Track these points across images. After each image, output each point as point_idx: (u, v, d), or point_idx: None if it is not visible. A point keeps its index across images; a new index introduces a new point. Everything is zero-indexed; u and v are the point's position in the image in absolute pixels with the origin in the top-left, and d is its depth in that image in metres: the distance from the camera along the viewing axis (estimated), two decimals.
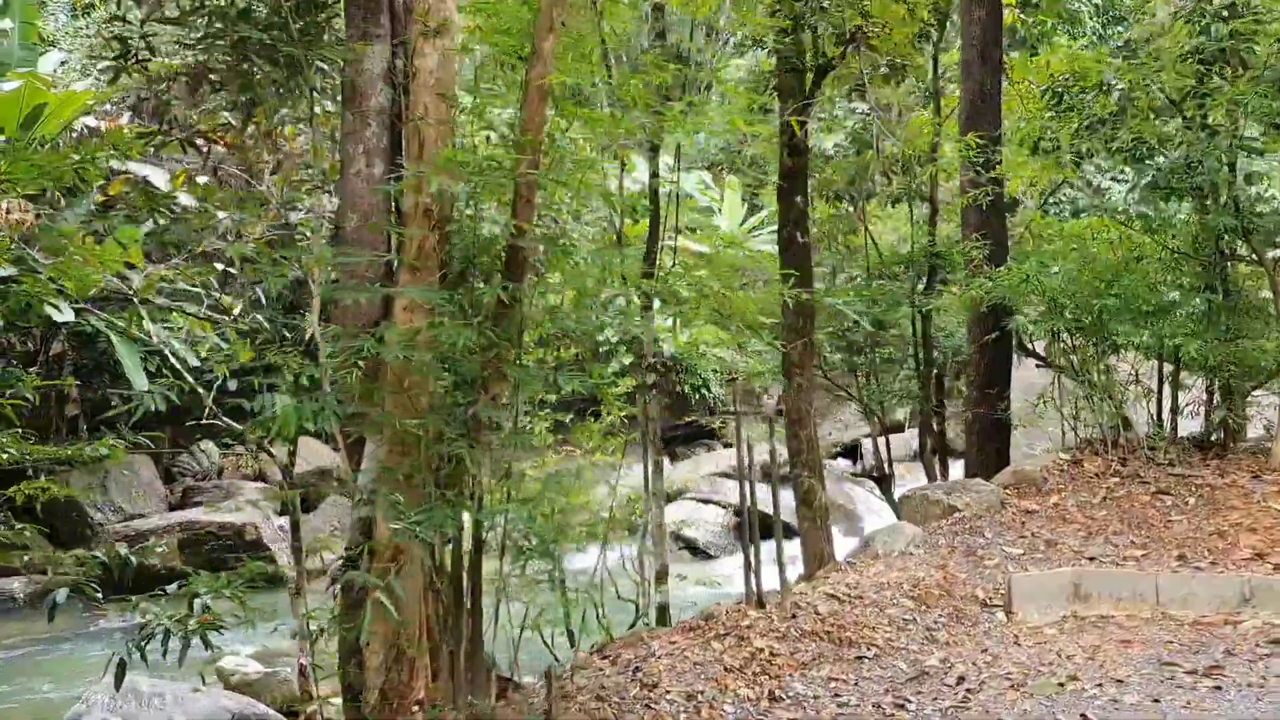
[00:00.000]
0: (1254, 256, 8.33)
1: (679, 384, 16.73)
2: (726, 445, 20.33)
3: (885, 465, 12.93)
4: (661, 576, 7.46)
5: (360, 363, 4.86)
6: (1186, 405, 9.25)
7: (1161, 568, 6.68)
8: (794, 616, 5.90)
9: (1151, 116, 9.47)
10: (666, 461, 19.91)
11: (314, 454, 14.97)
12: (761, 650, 5.50)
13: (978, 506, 7.72)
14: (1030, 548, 7.19)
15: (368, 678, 4.78)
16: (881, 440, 12.45)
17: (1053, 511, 7.69)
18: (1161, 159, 9.55)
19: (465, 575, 4.81)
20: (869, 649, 5.70)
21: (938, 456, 11.17)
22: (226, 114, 7.73)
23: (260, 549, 12.75)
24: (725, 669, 5.31)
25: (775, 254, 9.05)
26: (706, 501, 18.00)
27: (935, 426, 11.36)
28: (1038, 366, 10.43)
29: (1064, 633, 6.14)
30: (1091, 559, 6.89)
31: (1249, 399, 9.25)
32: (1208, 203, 8.57)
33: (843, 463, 18.54)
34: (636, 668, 5.30)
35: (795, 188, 8.52)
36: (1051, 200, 15.37)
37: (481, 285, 4.98)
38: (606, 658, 5.58)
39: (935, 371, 11.90)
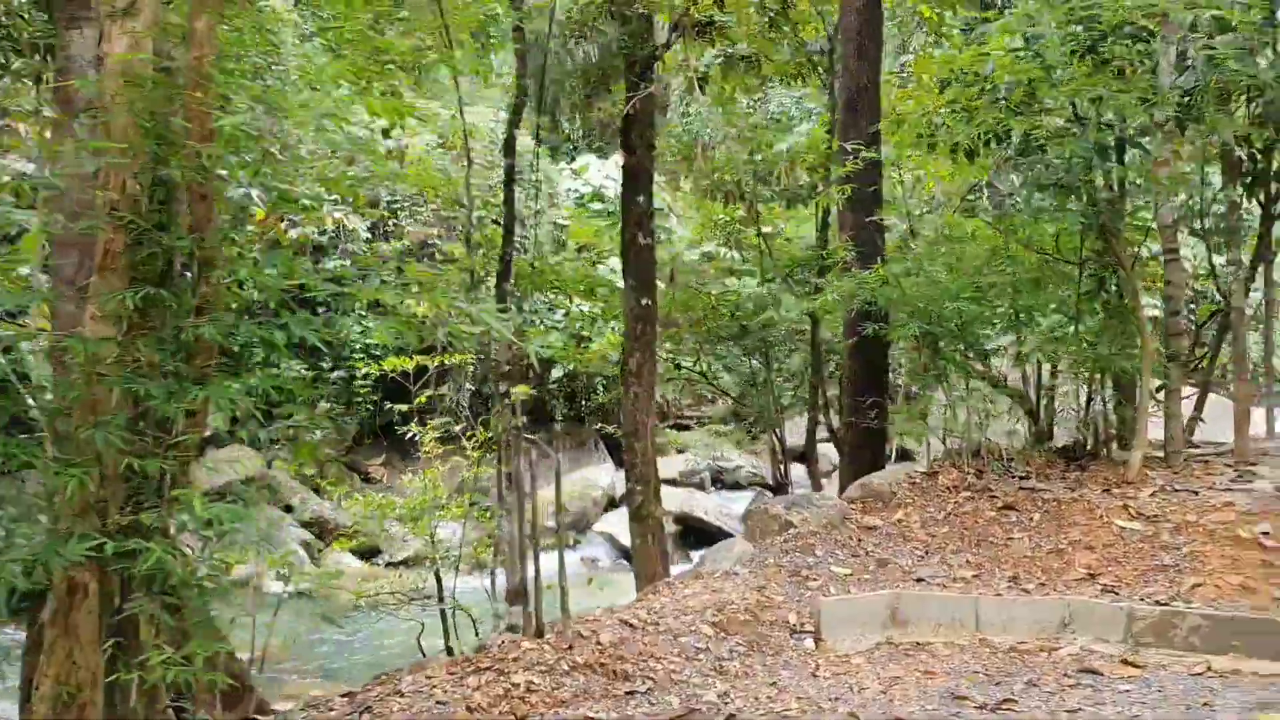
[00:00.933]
0: (1114, 257, 7.95)
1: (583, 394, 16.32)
2: (679, 450, 19.96)
3: (781, 475, 12.55)
4: (516, 595, 7.01)
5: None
6: (1061, 411, 8.88)
7: (988, 590, 6.25)
8: (570, 647, 5.42)
9: (1040, 112, 9.09)
10: (609, 470, 19.53)
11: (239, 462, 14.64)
12: (518, 686, 5.02)
13: (816, 522, 7.28)
14: (860, 567, 6.76)
15: None
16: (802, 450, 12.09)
17: (894, 528, 7.26)
18: (1051, 157, 9.16)
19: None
20: (644, 682, 5.23)
21: (818, 466, 10.76)
22: None
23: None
24: (468, 709, 4.82)
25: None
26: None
27: (816, 436, 10.96)
28: (893, 374, 10.04)
29: (871, 662, 5.70)
30: (920, 580, 6.46)
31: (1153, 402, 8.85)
32: (1071, 202, 8.18)
33: (796, 470, 18.23)
34: (368, 708, 4.80)
35: (637, 186, 8.09)
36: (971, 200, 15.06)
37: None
38: (350, 695, 5.09)
39: (824, 378, 11.53)
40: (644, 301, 7.79)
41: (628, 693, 5.13)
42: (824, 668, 5.58)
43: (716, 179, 12.68)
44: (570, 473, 17.96)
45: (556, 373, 17.02)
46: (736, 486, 18.94)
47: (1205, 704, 4.84)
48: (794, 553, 6.97)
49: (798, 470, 14.42)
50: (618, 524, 16.61)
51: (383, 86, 9.08)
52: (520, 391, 12.45)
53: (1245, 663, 5.36)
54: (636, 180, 8.03)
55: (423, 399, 9.34)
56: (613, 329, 12.36)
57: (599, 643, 5.49)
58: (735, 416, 13.34)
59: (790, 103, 14.04)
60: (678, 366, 11.70)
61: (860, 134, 9.95)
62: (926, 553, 6.85)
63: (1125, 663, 5.47)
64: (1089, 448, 8.60)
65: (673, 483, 18.31)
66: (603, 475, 18.06)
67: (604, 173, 20.71)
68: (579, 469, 18.39)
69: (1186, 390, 9.09)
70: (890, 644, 5.95)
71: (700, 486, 18.29)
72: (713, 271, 14.12)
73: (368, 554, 14.71)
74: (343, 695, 5.12)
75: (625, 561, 15.01)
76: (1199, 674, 5.29)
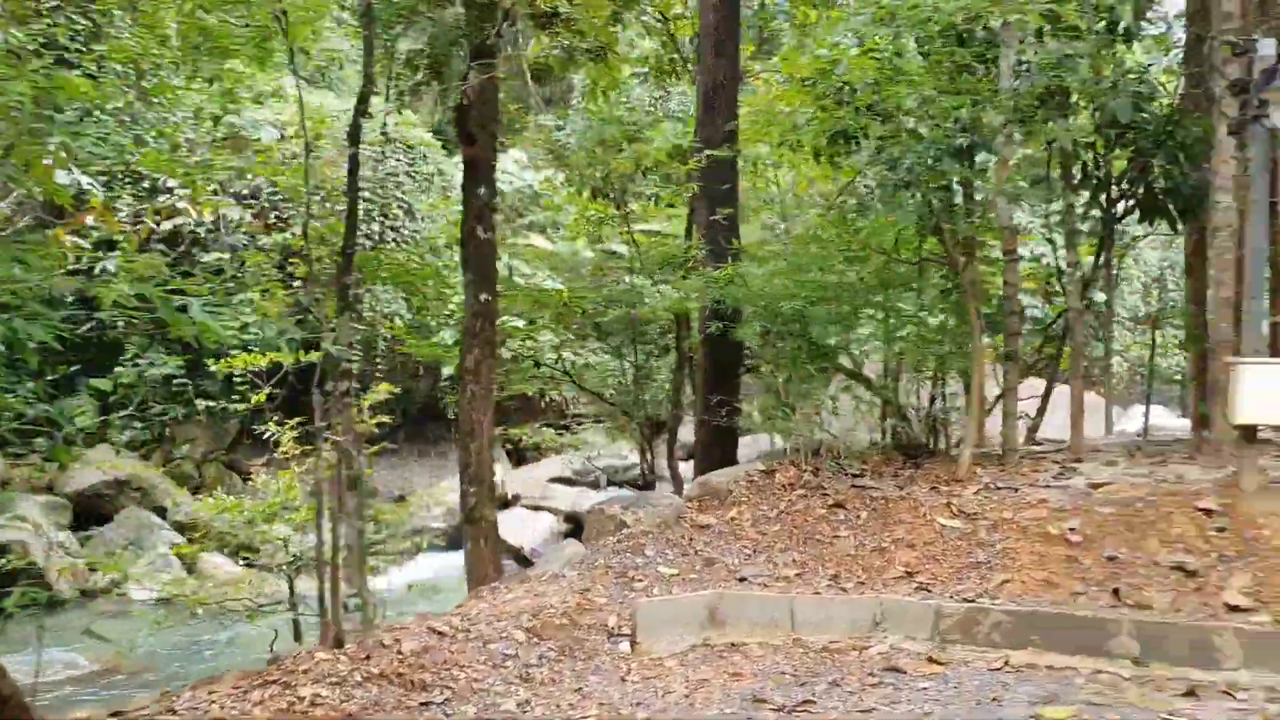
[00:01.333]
0: (943, 255, 8.10)
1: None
2: (576, 449, 19.74)
3: (649, 473, 12.48)
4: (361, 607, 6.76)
5: None
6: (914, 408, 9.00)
7: (808, 589, 6.26)
8: (368, 658, 5.21)
9: (894, 114, 9.19)
10: (501, 468, 19.22)
11: (111, 464, 13.93)
12: (303, 699, 4.78)
13: (649, 522, 7.20)
14: (688, 567, 6.70)
15: None
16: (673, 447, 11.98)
17: (727, 526, 7.24)
18: (904, 158, 9.27)
19: None
20: (442, 693, 5.05)
21: (676, 464, 10.73)
22: None
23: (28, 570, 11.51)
24: None
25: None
26: (538, 509, 17.42)
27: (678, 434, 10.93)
28: (744, 372, 10.07)
29: (684, 664, 5.64)
30: (743, 579, 6.43)
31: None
32: (910, 201, 8.28)
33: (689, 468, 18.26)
34: None
35: (478, 178, 7.87)
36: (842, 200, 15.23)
37: None
38: (118, 714, 4.77)
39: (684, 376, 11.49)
40: (483, 297, 7.58)
41: (423, 704, 4.95)
42: (635, 671, 5.49)
43: (587, 174, 12.52)
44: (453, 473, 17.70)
45: (448, 370, 16.71)
46: (633, 485, 18.92)
47: (995, 699, 4.91)
48: (624, 553, 6.88)
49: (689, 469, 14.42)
50: (508, 524, 16.45)
51: (214, 71, 8.67)
52: (382, 390, 12.08)
53: (1042, 656, 5.48)
54: (477, 171, 7.81)
55: (260, 398, 8.95)
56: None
57: (400, 652, 5.28)
58: (625, 415, 13.25)
59: (655, 99, 14.02)
60: (537, 365, 11.52)
61: (717, 131, 9.94)
62: (754, 551, 6.84)
63: (930, 660, 5.53)
64: (929, 445, 8.76)
65: (568, 481, 18.20)
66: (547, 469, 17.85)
67: (499, 166, 20.41)
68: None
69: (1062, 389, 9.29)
70: (707, 645, 5.89)
71: (595, 485, 18.20)
72: (601, 270, 14.00)
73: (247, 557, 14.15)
74: (111, 715, 4.80)
75: (531, 561, 14.86)
76: (997, 669, 5.38)
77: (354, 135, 9.22)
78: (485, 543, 7.21)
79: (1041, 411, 11.06)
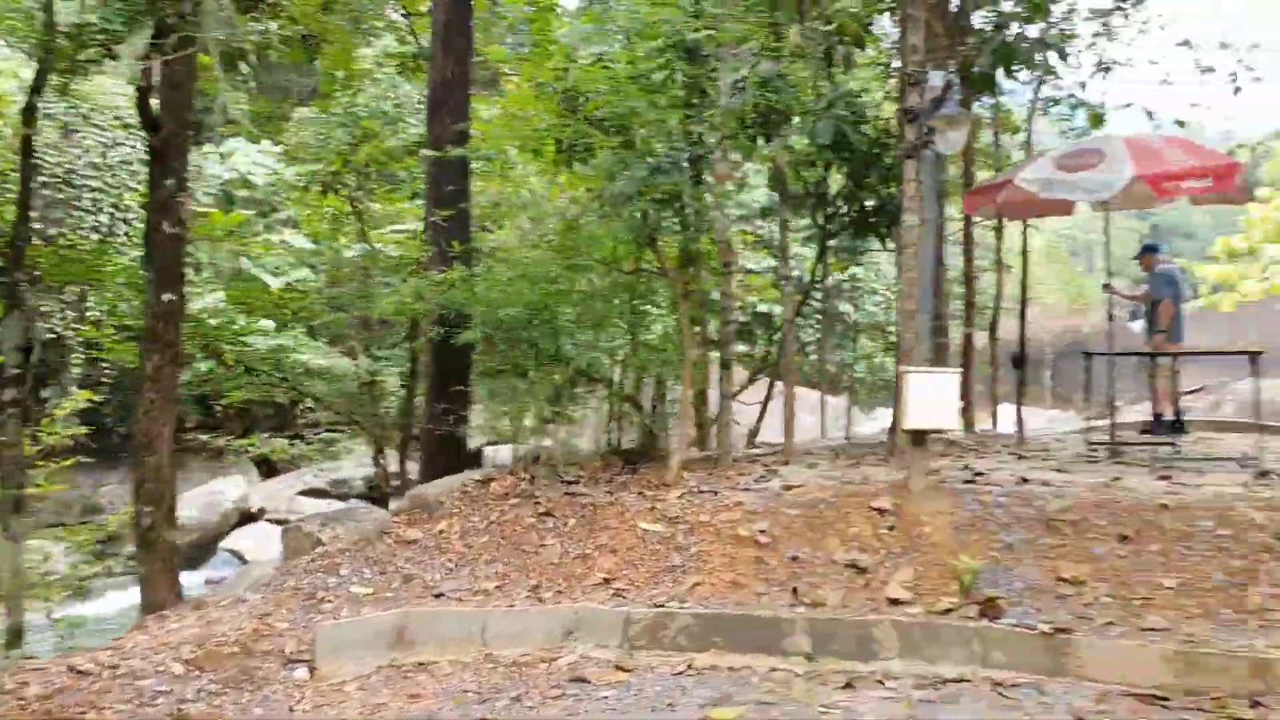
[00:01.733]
0: (658, 266, 8.28)
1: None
2: (334, 460, 18.67)
3: (387, 485, 11.99)
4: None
5: None
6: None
7: (507, 601, 6.14)
8: None
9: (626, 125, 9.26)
10: (245, 480, 17.83)
11: None
12: None
13: (348, 539, 6.84)
14: (384, 585, 6.41)
15: None
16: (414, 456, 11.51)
17: (434, 540, 7.00)
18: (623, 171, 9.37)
19: None
20: None
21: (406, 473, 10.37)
22: None
23: None
24: None
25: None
26: (284, 523, 16.30)
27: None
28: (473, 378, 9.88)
29: (364, 689, 5.35)
30: (439, 595, 6.22)
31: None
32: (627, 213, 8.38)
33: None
34: None
35: (165, 168, 7.22)
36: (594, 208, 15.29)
37: None
38: None
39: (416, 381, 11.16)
40: (166, 297, 6.95)
41: None
42: (308, 700, 5.15)
43: (319, 171, 11.89)
44: (202, 484, 16.54)
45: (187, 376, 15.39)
46: (370, 498, 18.23)
47: (670, 704, 4.96)
48: (317, 573, 6.49)
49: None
50: (248, 540, 15.40)
51: None
52: (80, 397, 10.88)
53: (723, 658, 5.61)
54: (165, 160, 7.16)
55: None
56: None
57: (22, 698, 4.67)
58: (355, 423, 12.66)
59: (404, 96, 13.61)
60: (248, 370, 10.79)
61: (446, 131, 9.68)
62: (457, 565, 6.64)
63: (617, 668, 5.53)
64: (649, 451, 8.90)
65: (319, 493, 17.27)
66: (233, 487, 16.67)
67: (251, 159, 19.16)
68: (212, 480, 16.91)
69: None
70: (393, 666, 5.63)
71: (343, 498, 17.41)
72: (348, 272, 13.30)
73: None
74: None
75: None
76: (680, 673, 5.44)
77: (28, 116, 8.33)
78: (163, 567, 6.59)
79: (762, 416, 11.59)
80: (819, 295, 18.53)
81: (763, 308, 17.52)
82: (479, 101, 12.20)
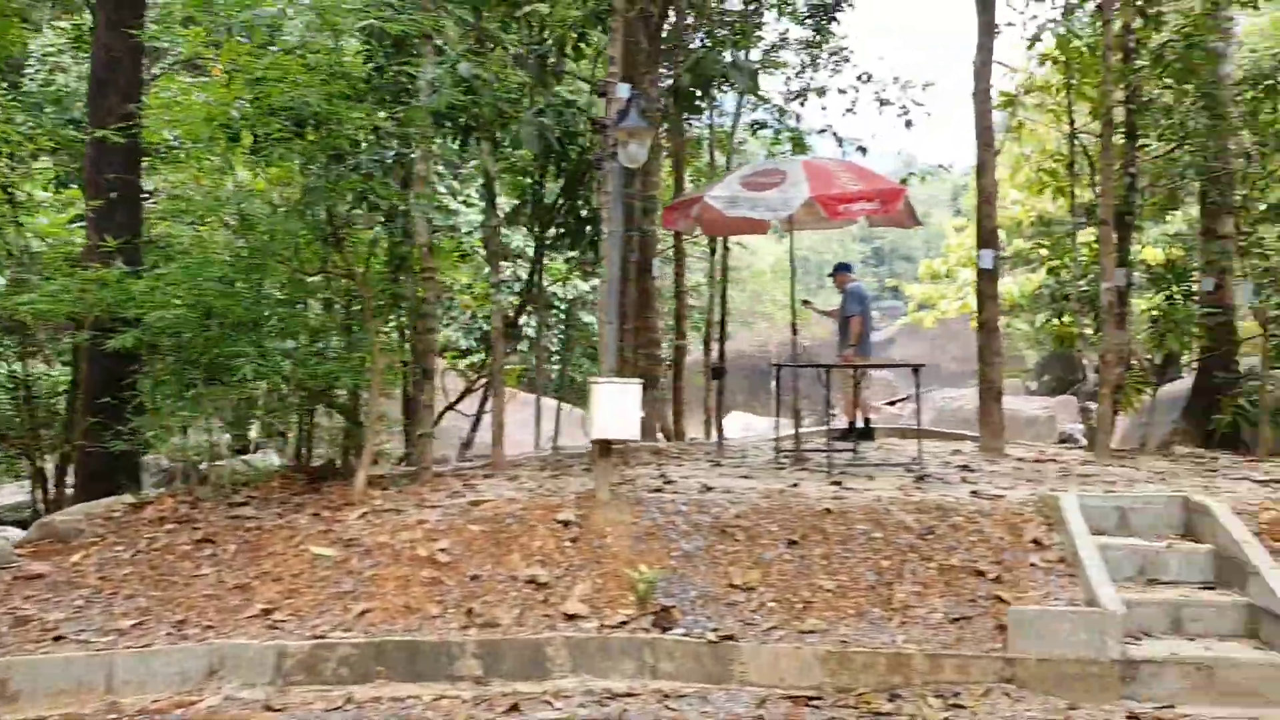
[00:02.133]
0: (344, 269, 7.80)
1: None
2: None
3: (47, 510, 10.48)
4: None
5: None
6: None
7: (146, 640, 5.43)
8: None
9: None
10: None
11: None
12: None
13: None
14: None
15: None
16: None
17: (66, 574, 6.11)
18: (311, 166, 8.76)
19: None
20: None
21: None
22: None
23: None
24: None
25: None
26: None
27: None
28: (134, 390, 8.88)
29: None
30: (59, 638, 5.41)
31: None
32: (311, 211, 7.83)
33: None
34: None
35: None
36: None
37: None
38: None
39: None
40: None
41: None
42: None
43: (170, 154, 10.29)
44: None
45: None
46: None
47: None
48: None
49: None
50: None
51: None
52: None
53: (387, 688, 5.24)
54: None
55: None
56: None
57: None
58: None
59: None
60: None
61: (112, 114, 8.63)
62: (89, 602, 5.82)
63: (266, 708, 5.02)
64: (338, 467, 8.35)
65: None
66: None
67: None
68: None
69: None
70: None
71: (24, 525, 15.21)
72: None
73: None
74: None
75: None
76: (336, 708, 5.02)
77: None
78: None
79: (475, 426, 11.28)
80: (561, 306, 18.55)
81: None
82: (173, 84, 11.05)
